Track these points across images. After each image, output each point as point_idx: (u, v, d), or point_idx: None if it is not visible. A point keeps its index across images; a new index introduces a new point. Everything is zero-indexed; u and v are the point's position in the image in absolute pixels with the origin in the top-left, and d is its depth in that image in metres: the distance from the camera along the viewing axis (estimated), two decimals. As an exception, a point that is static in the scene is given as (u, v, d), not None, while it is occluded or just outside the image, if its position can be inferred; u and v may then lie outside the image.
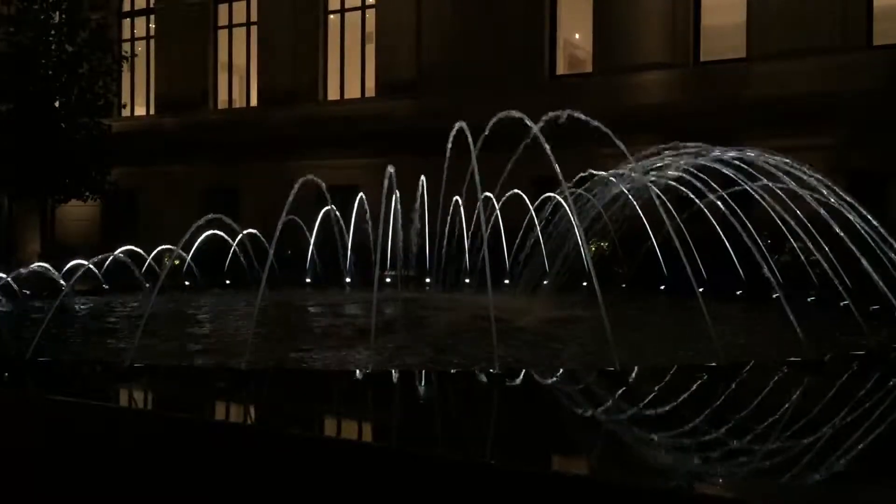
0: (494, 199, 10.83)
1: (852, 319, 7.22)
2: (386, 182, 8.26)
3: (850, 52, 16.80)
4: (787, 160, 9.26)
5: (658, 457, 3.76)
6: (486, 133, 7.58)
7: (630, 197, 10.45)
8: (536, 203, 11.22)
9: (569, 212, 7.90)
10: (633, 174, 9.35)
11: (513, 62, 19.27)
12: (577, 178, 10.06)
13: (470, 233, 11.16)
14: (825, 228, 8.84)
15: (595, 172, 10.41)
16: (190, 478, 4.01)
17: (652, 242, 11.05)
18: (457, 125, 8.56)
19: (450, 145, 9.84)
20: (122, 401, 5.26)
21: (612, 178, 10.06)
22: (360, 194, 12.20)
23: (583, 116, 8.03)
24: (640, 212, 10.79)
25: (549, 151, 7.46)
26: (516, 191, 11.18)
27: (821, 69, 16.72)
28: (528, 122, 7.90)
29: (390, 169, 8.79)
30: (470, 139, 7.51)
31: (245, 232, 13.13)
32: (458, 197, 11.38)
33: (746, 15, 18.05)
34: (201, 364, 6.67)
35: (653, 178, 9.53)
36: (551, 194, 10.90)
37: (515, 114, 8.18)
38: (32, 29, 20.92)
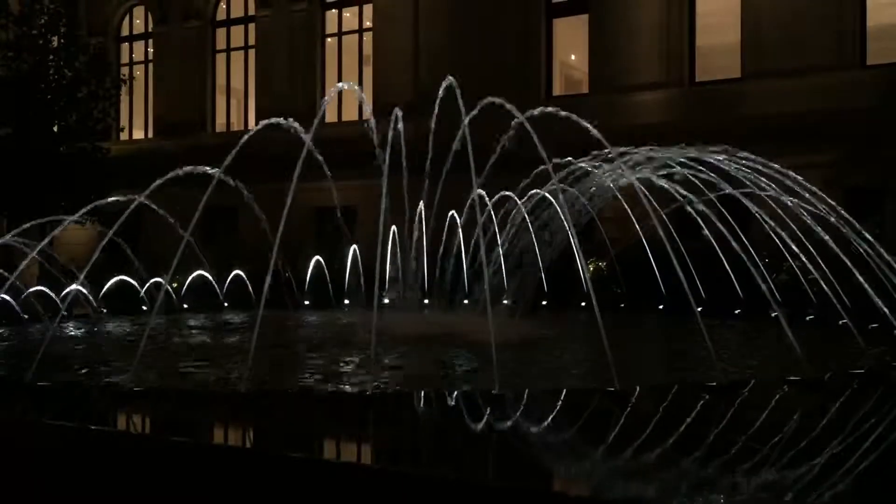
0: (494, 217, 10.82)
1: (851, 338, 7.22)
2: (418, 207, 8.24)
3: (845, 70, 16.91)
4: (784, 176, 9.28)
5: (657, 477, 3.75)
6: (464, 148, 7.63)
7: (620, 198, 10.39)
8: (524, 200, 11.02)
9: (566, 227, 7.91)
10: (618, 171, 9.29)
11: (510, 83, 19.31)
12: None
13: (469, 252, 11.14)
14: (823, 246, 8.85)
15: (573, 161, 10.07)
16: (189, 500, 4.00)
17: (650, 261, 11.05)
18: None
19: (447, 166, 9.89)
20: (120, 424, 5.25)
21: (593, 169, 9.89)
22: (354, 247, 12.21)
23: (584, 123, 8.08)
24: (635, 222, 10.78)
25: (549, 167, 7.51)
26: (509, 193, 11.05)
27: (816, 88, 16.81)
28: (511, 109, 7.95)
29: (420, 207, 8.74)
30: (471, 158, 7.55)
31: (234, 273, 13.26)
32: (455, 215, 11.36)
33: (741, 35, 18.17)
34: (199, 388, 6.64)
35: (640, 175, 9.45)
36: (539, 191, 10.71)
37: (498, 101, 8.22)
38: (31, 54, 21.03)
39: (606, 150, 8.57)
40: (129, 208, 7.44)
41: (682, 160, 9.67)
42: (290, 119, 8.44)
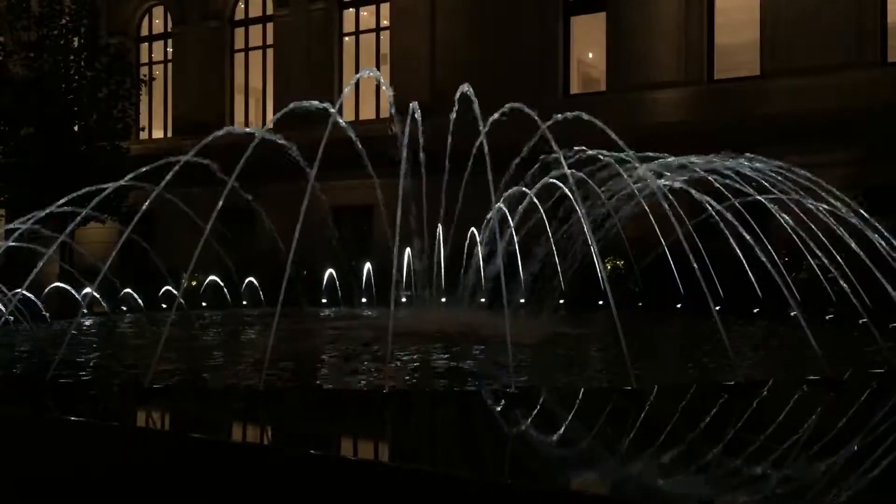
0: (508, 214, 10.80)
1: (871, 337, 7.16)
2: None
3: (865, 68, 16.75)
4: (807, 173, 9.22)
5: (675, 477, 3.75)
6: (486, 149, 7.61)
7: (643, 202, 10.32)
8: (537, 186, 10.91)
9: (585, 230, 7.89)
10: (644, 173, 9.20)
11: (527, 82, 19.34)
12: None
13: (485, 251, 11.14)
14: (842, 245, 8.79)
15: (582, 148, 9.83)
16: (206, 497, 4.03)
17: (668, 260, 10.99)
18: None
19: (470, 164, 9.88)
20: (139, 421, 5.29)
21: (612, 160, 9.79)
22: (366, 266, 12.16)
23: (598, 123, 8.06)
24: (654, 224, 10.70)
25: (564, 164, 7.49)
26: (524, 189, 10.98)
27: (835, 86, 16.67)
28: (530, 112, 7.94)
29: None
30: (487, 158, 7.55)
31: (247, 280, 13.35)
32: (473, 229, 11.36)
33: (760, 32, 18.04)
34: (217, 385, 6.69)
35: (665, 182, 9.37)
36: (555, 181, 10.58)
37: (522, 107, 8.21)
38: (52, 54, 21.22)
39: (623, 153, 8.54)
40: (174, 168, 7.45)
41: (703, 164, 9.62)
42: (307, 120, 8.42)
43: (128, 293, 12.92)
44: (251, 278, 13.99)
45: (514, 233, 10.64)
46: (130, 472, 4.32)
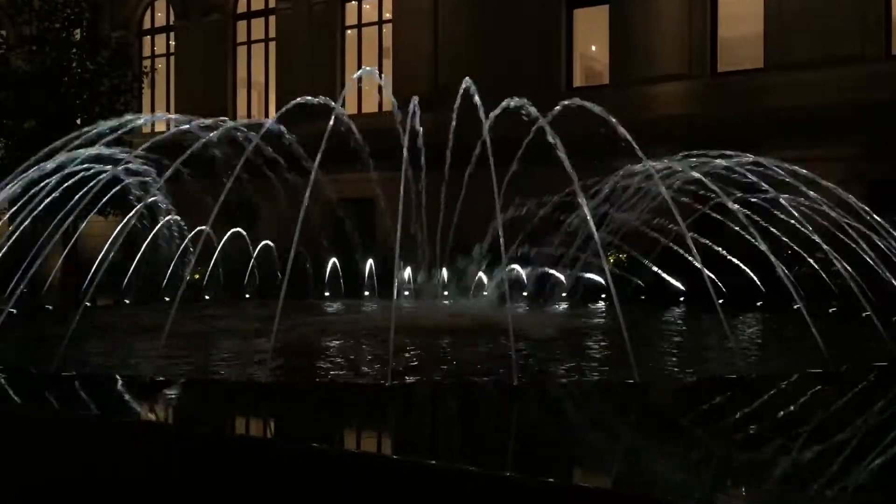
0: (511, 212, 10.80)
1: (874, 330, 7.16)
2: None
3: (869, 62, 16.68)
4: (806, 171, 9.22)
5: (677, 470, 3.75)
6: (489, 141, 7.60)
7: (648, 199, 10.33)
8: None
9: (590, 225, 7.89)
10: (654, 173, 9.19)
11: (530, 75, 19.30)
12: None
13: (488, 244, 11.14)
14: (846, 240, 8.78)
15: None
16: (211, 493, 4.04)
17: (671, 254, 10.99)
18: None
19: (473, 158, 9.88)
20: (143, 415, 5.30)
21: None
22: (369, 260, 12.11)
23: (605, 115, 8.05)
24: (656, 219, 10.71)
25: (567, 164, 7.49)
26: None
27: (839, 79, 16.60)
28: (532, 110, 7.92)
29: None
30: (490, 152, 7.54)
31: (262, 243, 13.33)
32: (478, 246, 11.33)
33: (764, 25, 17.98)
34: (221, 378, 6.70)
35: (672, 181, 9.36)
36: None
37: (518, 101, 8.20)
38: (54, 48, 21.22)
39: (640, 165, 8.53)
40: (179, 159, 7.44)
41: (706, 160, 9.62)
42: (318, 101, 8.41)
43: (130, 286, 12.94)
44: (252, 271, 14.00)
45: (518, 226, 10.65)
46: (133, 468, 4.33)
